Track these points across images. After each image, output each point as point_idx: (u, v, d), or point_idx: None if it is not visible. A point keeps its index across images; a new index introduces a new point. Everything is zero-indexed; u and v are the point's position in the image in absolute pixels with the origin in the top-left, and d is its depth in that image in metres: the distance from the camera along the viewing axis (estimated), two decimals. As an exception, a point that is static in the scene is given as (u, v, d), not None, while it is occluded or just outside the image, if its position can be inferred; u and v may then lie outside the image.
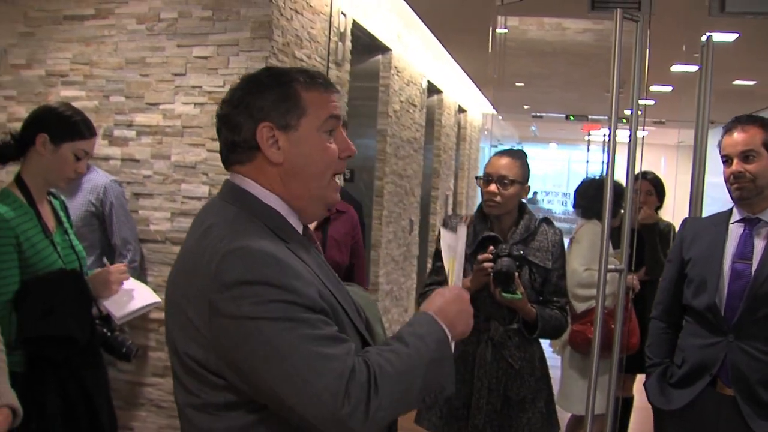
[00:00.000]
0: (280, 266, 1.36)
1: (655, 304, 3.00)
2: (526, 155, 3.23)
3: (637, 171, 3.74)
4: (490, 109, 13.83)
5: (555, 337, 3.20)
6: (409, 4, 6.08)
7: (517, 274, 2.91)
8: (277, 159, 1.51)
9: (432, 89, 8.64)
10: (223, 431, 1.41)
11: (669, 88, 8.84)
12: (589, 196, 4.21)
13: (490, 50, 5.44)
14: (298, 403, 1.31)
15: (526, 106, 13.60)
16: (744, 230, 2.70)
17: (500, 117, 15.36)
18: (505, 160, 3.08)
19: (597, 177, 4.60)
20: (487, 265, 2.91)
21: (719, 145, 2.79)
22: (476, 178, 3.19)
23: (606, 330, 3.63)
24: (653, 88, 9.06)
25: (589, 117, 11.62)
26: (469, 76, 9.72)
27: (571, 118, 11.59)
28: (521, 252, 2.99)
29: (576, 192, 4.42)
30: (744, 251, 2.66)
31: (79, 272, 2.62)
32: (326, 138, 1.55)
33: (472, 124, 12.42)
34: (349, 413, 1.28)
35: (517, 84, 10.04)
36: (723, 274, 2.67)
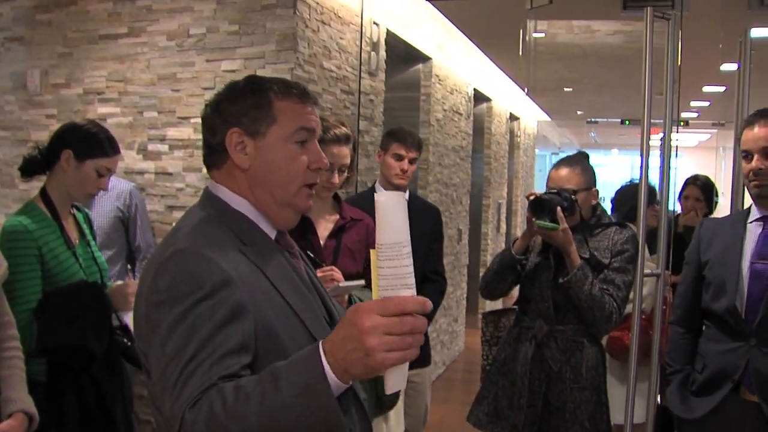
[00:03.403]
0: (209, 268, 1.37)
1: (674, 308, 2.89)
2: (586, 157, 3.11)
3: (670, 174, 3.66)
4: (544, 117, 13.68)
5: (593, 316, 2.82)
6: (442, 13, 6.08)
7: (559, 208, 2.78)
8: (243, 164, 1.54)
9: (480, 97, 8.61)
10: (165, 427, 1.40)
11: (722, 89, 8.62)
12: (626, 201, 4.13)
13: (520, 54, 5.38)
14: (163, 412, 1.32)
15: (579, 112, 13.38)
16: (763, 229, 2.58)
17: (556, 124, 15.16)
18: (564, 171, 2.97)
19: (635, 181, 4.51)
20: (530, 195, 2.83)
21: (739, 139, 2.68)
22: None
23: (645, 336, 3.54)
24: (706, 89, 8.83)
25: (652, 121, 11.33)
26: (516, 83, 9.64)
27: (627, 122, 11.30)
28: (573, 196, 2.87)
29: (614, 197, 4.36)
30: (763, 251, 2.54)
31: (98, 284, 2.69)
32: (295, 148, 1.55)
33: (526, 132, 12.31)
34: None
35: (565, 89, 9.90)
36: (742, 276, 2.55)
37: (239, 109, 1.54)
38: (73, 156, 2.62)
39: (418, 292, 3.45)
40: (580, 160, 3.03)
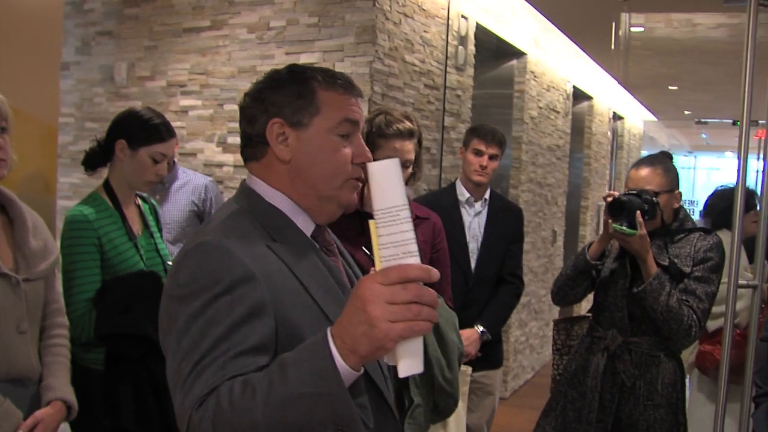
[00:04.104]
0: (230, 262, 1.31)
1: (766, 323, 2.63)
2: (669, 157, 2.89)
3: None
4: (651, 117, 13.15)
5: (669, 329, 2.60)
6: (533, 5, 5.83)
7: (639, 212, 2.57)
8: (285, 156, 1.46)
9: (580, 95, 8.34)
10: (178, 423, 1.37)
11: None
12: (717, 205, 3.86)
13: (612, 48, 5.11)
14: (174, 406, 1.27)
15: (687, 112, 12.77)
16: None
17: (663, 124, 14.57)
18: (644, 171, 2.75)
19: (729, 186, 4.20)
20: (608, 196, 2.66)
21: None
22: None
23: (739, 352, 3.28)
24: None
25: (759, 122, 10.68)
26: (617, 80, 9.26)
27: (737, 123, 10.67)
28: (654, 198, 2.65)
29: (706, 201, 4.09)
30: None
31: (157, 274, 2.65)
32: (338, 141, 1.46)
33: (631, 132, 11.87)
34: None
35: (670, 87, 9.44)
36: None
37: (281, 99, 1.46)
38: (127, 145, 2.60)
39: (493, 294, 3.29)
40: (662, 160, 2.80)
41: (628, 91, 9.58)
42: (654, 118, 13.43)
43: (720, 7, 3.36)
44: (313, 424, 1.13)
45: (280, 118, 1.45)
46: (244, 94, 1.54)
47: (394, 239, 1.13)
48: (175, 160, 3.75)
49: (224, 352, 1.23)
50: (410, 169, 2.62)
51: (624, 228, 2.58)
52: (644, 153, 13.06)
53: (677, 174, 2.79)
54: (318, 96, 1.46)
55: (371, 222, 1.15)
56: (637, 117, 12.39)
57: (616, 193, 2.66)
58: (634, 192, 2.66)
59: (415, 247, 1.14)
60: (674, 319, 2.58)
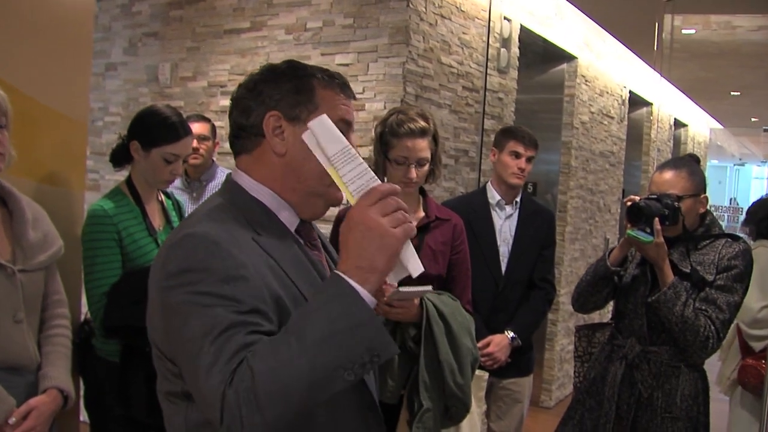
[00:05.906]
0: (220, 254, 1.31)
1: None
2: (696, 160, 2.79)
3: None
4: (717, 125, 12.76)
5: (685, 340, 2.51)
6: (577, 7, 5.71)
7: (657, 219, 2.49)
8: (280, 150, 1.47)
9: (638, 101, 8.16)
10: (181, 420, 1.39)
11: None
12: (757, 213, 3.72)
13: (655, 49, 4.96)
14: (197, 401, 1.28)
15: (754, 119, 12.35)
16: None
17: (731, 132, 14.12)
18: (668, 175, 2.64)
19: None
20: (628, 201, 2.59)
21: None
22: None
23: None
24: None
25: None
26: (675, 86, 9.01)
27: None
28: (676, 203, 2.54)
29: (748, 210, 3.94)
30: None
31: (174, 269, 2.68)
32: None
33: (696, 140, 11.56)
34: (229, 424, 1.20)
35: (732, 93, 9.14)
36: None
37: (279, 93, 1.48)
38: (140, 146, 2.62)
39: (524, 298, 3.21)
40: (688, 163, 2.69)
41: (687, 96, 9.31)
42: (721, 126, 13.05)
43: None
44: (352, 357, 1.21)
45: (277, 111, 1.46)
46: (238, 85, 1.55)
47: (357, 172, 1.33)
48: (214, 159, 3.80)
49: (239, 332, 1.24)
50: (426, 168, 2.59)
51: (638, 235, 2.49)
52: (717, 162, 12.68)
53: (703, 178, 2.68)
54: (317, 93, 1.48)
55: (330, 170, 1.35)
56: (702, 124, 12.06)
57: (637, 198, 2.58)
58: (655, 197, 2.58)
59: (373, 174, 1.34)
60: (690, 330, 2.48)
